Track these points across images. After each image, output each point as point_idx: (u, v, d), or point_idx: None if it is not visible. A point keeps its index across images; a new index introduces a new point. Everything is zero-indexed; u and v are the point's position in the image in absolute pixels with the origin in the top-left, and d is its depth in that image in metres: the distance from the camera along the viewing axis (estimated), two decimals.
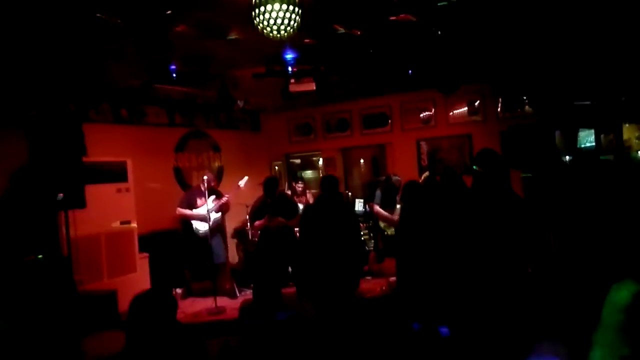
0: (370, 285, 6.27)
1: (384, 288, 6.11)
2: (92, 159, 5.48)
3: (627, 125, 6.98)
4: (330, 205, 4.64)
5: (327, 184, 4.84)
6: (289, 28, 2.94)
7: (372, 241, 7.09)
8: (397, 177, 6.81)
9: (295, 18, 2.91)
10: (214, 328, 5.29)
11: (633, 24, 4.96)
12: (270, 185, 6.55)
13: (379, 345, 3.61)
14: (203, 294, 6.63)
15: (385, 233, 6.63)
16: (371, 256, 7.00)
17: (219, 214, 6.67)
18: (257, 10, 2.85)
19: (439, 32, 3.99)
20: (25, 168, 4.87)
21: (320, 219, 4.59)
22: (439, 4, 3.10)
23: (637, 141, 7.05)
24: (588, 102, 6.98)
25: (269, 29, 2.83)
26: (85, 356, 2.64)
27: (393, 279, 6.23)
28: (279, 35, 2.93)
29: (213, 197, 6.58)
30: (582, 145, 7.17)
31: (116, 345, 3.19)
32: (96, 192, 5.40)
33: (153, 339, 1.78)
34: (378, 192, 6.71)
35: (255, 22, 2.91)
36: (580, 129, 7.15)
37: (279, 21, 2.80)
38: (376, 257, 7.02)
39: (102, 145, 6.27)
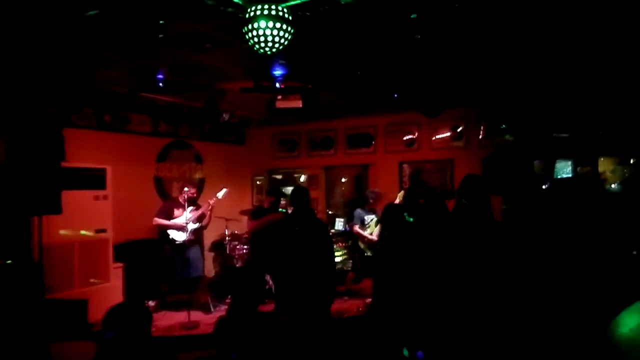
0: (348, 305, 6.23)
1: (360, 309, 6.09)
2: (71, 164, 5.40)
3: (602, 159, 7.16)
4: (302, 222, 4.43)
5: (297, 197, 4.41)
6: (277, 45, 2.97)
7: (351, 261, 7.07)
8: (375, 190, 6.86)
9: (285, 35, 2.94)
10: (187, 342, 5.18)
11: (614, 61, 5.15)
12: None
13: None
14: (177, 306, 6.49)
15: (365, 254, 6.62)
16: (349, 276, 6.97)
17: (197, 224, 6.59)
18: (248, 26, 2.87)
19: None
20: (0, 169, 4.75)
21: (293, 236, 4.41)
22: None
23: (611, 175, 7.23)
24: (566, 135, 7.17)
25: (258, 45, 2.86)
26: None
27: (370, 299, 6.23)
28: (268, 52, 2.95)
29: (191, 207, 6.51)
30: (559, 176, 7.32)
31: (86, 355, 3.10)
32: (73, 198, 5.29)
33: (125, 352, 1.74)
34: (357, 212, 6.73)
35: (246, 37, 2.93)
36: (558, 160, 7.31)
37: (269, 38, 2.82)
38: (354, 277, 7.00)
39: (83, 150, 6.19)
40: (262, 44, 2.83)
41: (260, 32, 2.78)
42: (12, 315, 3.93)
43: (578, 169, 7.05)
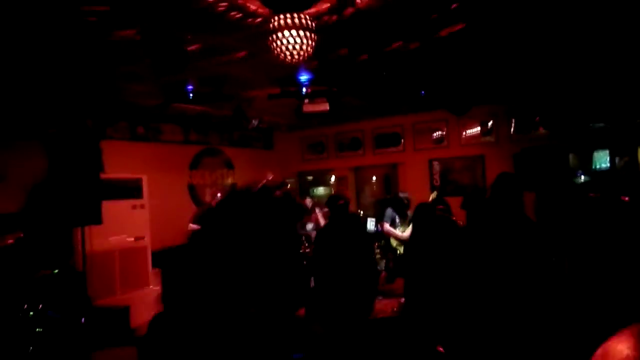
0: (382, 306, 6.22)
1: (394, 309, 6.07)
2: (108, 176, 5.61)
3: None
4: (343, 227, 4.56)
5: (334, 204, 4.62)
6: (303, 53, 3.02)
7: (384, 261, 7.05)
8: (404, 194, 6.83)
9: (309, 43, 2.99)
10: None
11: None
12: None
13: None
14: None
15: (398, 252, 6.61)
16: (382, 276, 6.96)
17: None
18: (273, 36, 2.93)
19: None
20: (43, 183, 4.98)
21: (335, 241, 4.51)
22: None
23: None
24: (602, 124, 6.96)
25: (284, 54, 2.91)
26: None
27: (404, 299, 6.21)
28: (294, 60, 3.01)
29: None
30: (597, 167, 7.11)
31: None
32: (112, 208, 5.50)
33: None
34: (388, 211, 6.72)
35: (271, 47, 3.00)
36: (596, 151, 7.10)
37: (295, 47, 2.87)
38: (387, 277, 6.99)
39: (119, 161, 6.40)
40: (288, 53, 2.89)
41: (285, 41, 2.84)
42: (60, 324, 4.12)
43: (617, 159, 6.83)
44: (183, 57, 3.81)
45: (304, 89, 5.65)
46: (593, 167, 7.09)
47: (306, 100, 6.10)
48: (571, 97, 6.89)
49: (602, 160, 7.09)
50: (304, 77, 5.45)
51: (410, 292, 4.26)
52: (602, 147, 7.04)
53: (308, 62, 4.71)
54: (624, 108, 6.73)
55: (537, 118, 7.28)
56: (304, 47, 2.92)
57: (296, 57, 2.93)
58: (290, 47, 2.86)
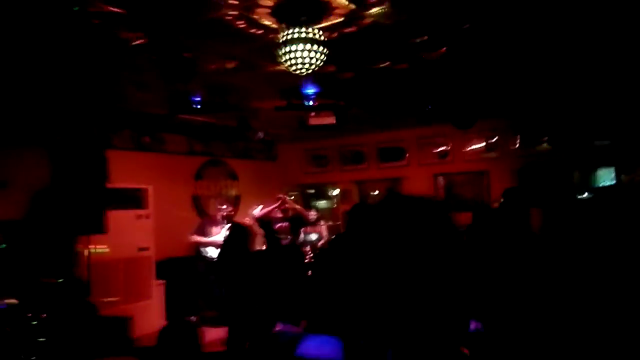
0: None
1: None
2: (114, 185, 5.59)
3: None
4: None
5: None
6: (313, 66, 3.04)
7: None
8: None
9: (320, 57, 3.01)
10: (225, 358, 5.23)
11: None
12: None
13: None
14: (216, 322, 6.58)
15: None
16: None
17: None
18: (283, 49, 2.96)
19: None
20: (47, 190, 4.95)
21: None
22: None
23: None
24: (607, 142, 6.97)
25: (295, 67, 2.94)
26: None
27: None
28: (304, 72, 3.03)
29: (229, 225, 6.63)
30: (601, 184, 7.10)
31: None
32: (116, 218, 5.47)
33: None
34: None
35: (282, 59, 3.02)
36: (599, 168, 7.10)
37: (305, 60, 2.90)
38: None
39: (123, 171, 6.39)
40: (299, 66, 2.91)
41: (298, 54, 2.86)
42: (65, 332, 4.09)
43: (622, 176, 6.83)
44: (191, 66, 3.84)
45: (311, 102, 5.68)
46: (596, 184, 7.09)
47: (312, 113, 6.14)
48: (576, 113, 6.91)
49: (606, 178, 7.09)
50: (310, 90, 5.49)
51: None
52: (607, 165, 7.05)
53: (315, 75, 4.75)
54: (629, 125, 6.75)
55: (545, 137, 7.29)
56: (315, 60, 2.94)
57: (307, 68, 2.96)
58: (302, 60, 2.89)
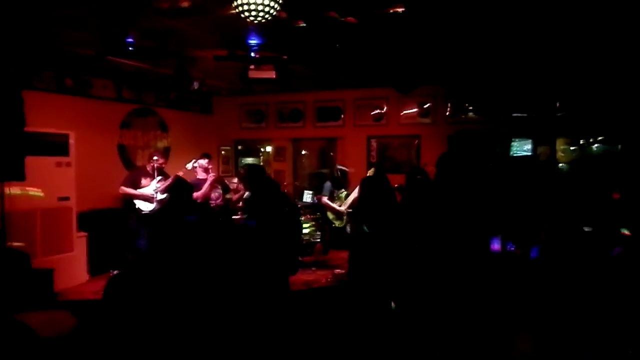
0: (316, 276, 6.36)
1: (328, 279, 6.23)
2: (31, 129, 5.13)
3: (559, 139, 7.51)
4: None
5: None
6: (266, 15, 2.92)
7: (319, 233, 7.17)
8: (342, 167, 6.91)
9: (274, 6, 2.89)
10: None
11: (575, 44, 5.36)
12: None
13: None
14: None
15: (333, 225, 6.73)
16: (317, 247, 7.08)
17: (165, 195, 6.46)
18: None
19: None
20: None
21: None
22: None
23: (561, 154, 7.61)
24: (525, 115, 7.47)
25: (248, 13, 2.80)
26: (36, 334, 2.51)
27: (338, 270, 6.38)
28: (256, 21, 2.90)
29: (160, 177, 6.38)
30: (515, 154, 7.62)
31: (67, 324, 3.06)
32: (35, 165, 5.04)
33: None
34: (327, 184, 6.79)
35: (234, 4, 2.87)
36: (514, 139, 7.60)
37: (259, 7, 2.77)
38: (322, 248, 7.12)
39: (43, 115, 5.88)
40: (253, 13, 2.78)
41: (251, 1, 2.72)
42: None
43: (538, 148, 7.38)
44: (135, 6, 3.53)
45: (253, 54, 5.50)
46: (510, 154, 7.60)
47: (252, 66, 5.95)
48: (498, 85, 7.31)
49: (522, 149, 7.63)
50: (253, 42, 5.29)
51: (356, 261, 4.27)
52: (525, 136, 7.56)
53: (260, 27, 4.57)
54: (546, 100, 7.27)
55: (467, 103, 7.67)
56: (269, 9, 2.82)
57: (260, 17, 2.83)
58: (255, 7, 2.75)
